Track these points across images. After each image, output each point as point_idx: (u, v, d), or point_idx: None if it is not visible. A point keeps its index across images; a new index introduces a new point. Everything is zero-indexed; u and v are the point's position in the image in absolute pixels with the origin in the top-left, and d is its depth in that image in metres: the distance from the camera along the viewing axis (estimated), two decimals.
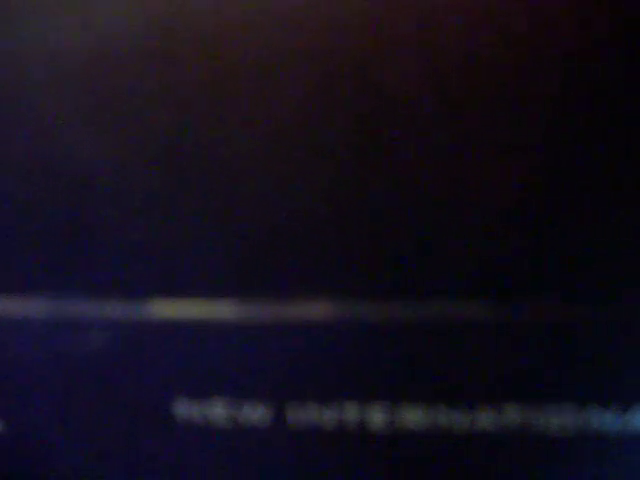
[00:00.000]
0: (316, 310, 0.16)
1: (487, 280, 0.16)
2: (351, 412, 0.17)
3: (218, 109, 0.15)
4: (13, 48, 0.15)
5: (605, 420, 0.16)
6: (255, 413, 0.17)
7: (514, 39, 0.14)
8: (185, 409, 0.17)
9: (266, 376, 0.17)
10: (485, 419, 0.17)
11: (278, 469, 0.18)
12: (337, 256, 0.16)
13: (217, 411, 0.17)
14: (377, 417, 0.17)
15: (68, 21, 0.14)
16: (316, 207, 0.15)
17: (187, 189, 0.15)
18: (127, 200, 0.15)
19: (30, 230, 0.16)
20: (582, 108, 0.14)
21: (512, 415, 0.17)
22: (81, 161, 0.15)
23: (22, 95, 0.15)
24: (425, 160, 0.15)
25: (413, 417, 0.17)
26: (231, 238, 0.16)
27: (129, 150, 0.15)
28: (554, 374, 0.16)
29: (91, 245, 0.16)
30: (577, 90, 0.14)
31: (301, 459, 0.17)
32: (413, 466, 0.17)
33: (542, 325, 0.16)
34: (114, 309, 0.16)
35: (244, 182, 0.15)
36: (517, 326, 0.16)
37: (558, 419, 0.16)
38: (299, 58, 0.14)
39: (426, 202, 0.15)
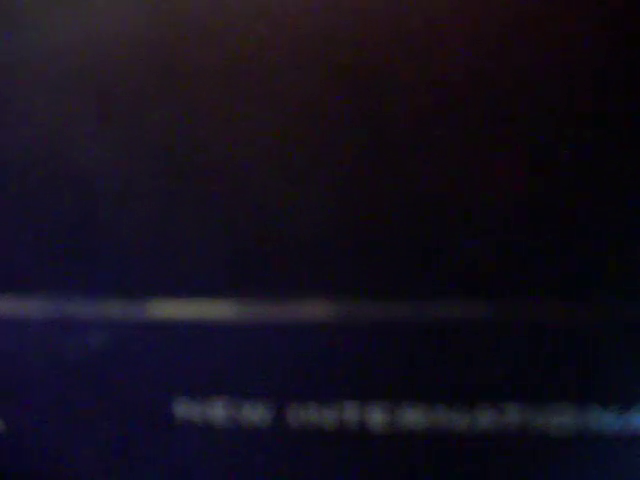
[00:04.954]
0: (316, 310, 0.16)
1: (487, 280, 0.16)
2: (351, 412, 0.17)
3: (217, 109, 0.15)
4: (13, 47, 0.15)
5: (605, 420, 0.16)
6: (255, 413, 0.17)
7: (517, 40, 0.14)
8: (185, 409, 0.17)
9: (266, 376, 0.17)
10: (485, 419, 0.17)
11: (278, 469, 0.18)
12: (337, 256, 0.16)
13: (217, 411, 0.17)
14: (377, 417, 0.17)
15: (67, 19, 0.14)
16: (316, 207, 0.15)
17: (187, 189, 0.15)
18: (127, 200, 0.15)
19: (30, 230, 0.16)
20: (575, 107, 0.14)
21: (512, 415, 0.17)
22: (81, 161, 0.15)
23: (23, 94, 0.15)
24: (424, 161, 0.15)
25: (413, 417, 0.17)
26: (231, 238, 0.16)
27: (129, 150, 0.15)
28: (554, 374, 0.16)
29: (91, 245, 0.16)
30: (573, 91, 0.14)
31: (301, 459, 0.17)
32: (413, 466, 0.17)
33: (542, 325, 0.16)
34: (114, 309, 0.16)
35: (244, 182, 0.15)
36: (517, 326, 0.16)
37: (558, 419, 0.16)
38: (302, 57, 0.14)
39: (426, 202, 0.15)
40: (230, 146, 0.15)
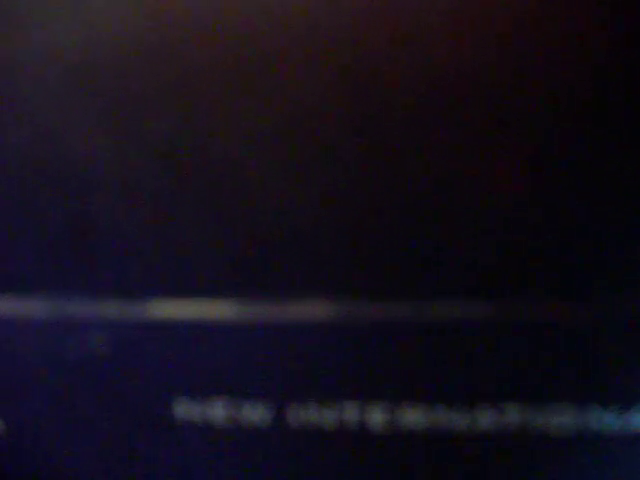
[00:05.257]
0: (316, 310, 0.16)
1: (486, 280, 0.16)
2: (351, 412, 0.17)
3: (217, 109, 0.15)
4: (14, 47, 0.15)
5: (605, 420, 0.16)
6: (255, 413, 0.17)
7: (517, 40, 0.14)
8: (185, 409, 0.17)
9: (266, 376, 0.17)
10: (485, 419, 0.17)
11: (278, 469, 0.18)
12: (337, 256, 0.16)
13: (217, 411, 0.17)
14: (377, 417, 0.17)
15: (68, 19, 0.14)
16: (316, 207, 0.15)
17: (187, 189, 0.15)
18: (127, 200, 0.15)
19: (30, 230, 0.16)
20: (575, 106, 0.14)
21: (512, 415, 0.17)
22: (81, 161, 0.15)
23: (23, 95, 0.15)
24: (424, 161, 0.15)
25: (413, 417, 0.17)
26: (231, 238, 0.16)
27: (129, 150, 0.15)
28: (554, 374, 0.16)
29: (91, 245, 0.16)
30: (573, 90, 0.14)
31: (301, 459, 0.17)
32: (413, 466, 0.17)
33: (542, 325, 0.16)
34: (114, 309, 0.16)
35: (244, 182, 0.15)
36: (517, 326, 0.16)
37: (558, 419, 0.16)
38: (301, 57, 0.14)
39: (426, 202, 0.15)
40: (230, 146, 0.15)
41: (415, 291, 0.16)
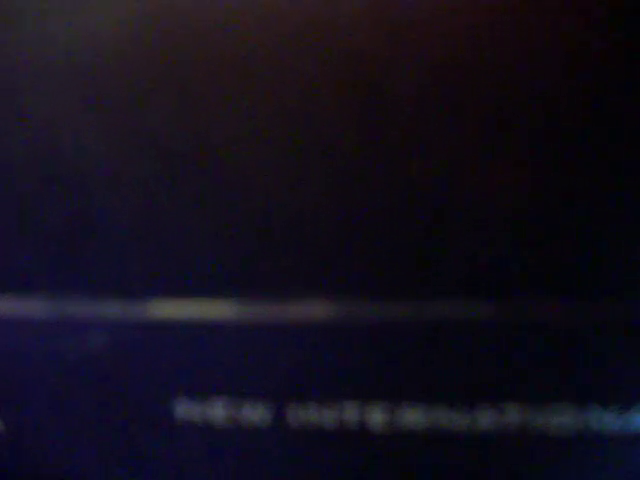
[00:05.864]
0: (316, 310, 0.16)
1: (487, 280, 0.16)
2: (351, 412, 0.17)
3: (216, 109, 0.15)
4: (14, 47, 0.15)
5: (605, 420, 0.16)
6: (255, 413, 0.17)
7: (515, 39, 0.14)
8: (185, 409, 0.17)
9: (266, 376, 0.17)
10: (485, 419, 0.17)
11: (278, 469, 0.18)
12: (337, 256, 0.16)
13: (217, 411, 0.17)
14: (377, 417, 0.17)
15: (67, 20, 0.14)
16: (316, 207, 0.15)
17: (187, 189, 0.15)
18: (127, 200, 0.15)
19: (30, 230, 0.16)
20: (576, 106, 0.14)
21: (512, 415, 0.17)
22: (81, 161, 0.15)
23: (22, 95, 0.15)
24: (424, 161, 0.15)
25: (413, 417, 0.17)
26: (231, 238, 0.16)
27: (129, 150, 0.15)
28: (554, 374, 0.16)
29: (91, 245, 0.16)
30: (576, 90, 0.14)
31: (301, 459, 0.17)
32: (413, 466, 0.17)
33: (542, 325, 0.16)
34: (114, 309, 0.16)
35: (244, 182, 0.15)
36: (517, 326, 0.16)
37: (558, 419, 0.16)
38: (300, 56, 0.14)
39: (426, 202, 0.15)
40: (230, 146, 0.15)
41: (415, 291, 0.16)
